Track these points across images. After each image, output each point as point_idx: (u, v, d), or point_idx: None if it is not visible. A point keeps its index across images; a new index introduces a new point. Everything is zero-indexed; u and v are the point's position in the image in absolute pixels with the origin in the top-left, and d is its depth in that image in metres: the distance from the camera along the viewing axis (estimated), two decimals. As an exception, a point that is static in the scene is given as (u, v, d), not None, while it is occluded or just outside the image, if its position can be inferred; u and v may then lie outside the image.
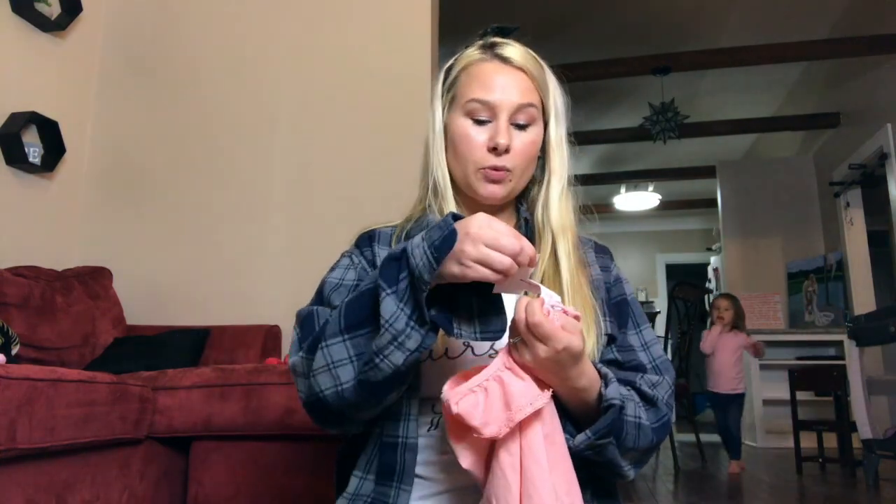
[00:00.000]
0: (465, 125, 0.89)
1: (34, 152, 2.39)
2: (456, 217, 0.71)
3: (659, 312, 6.74)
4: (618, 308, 0.92)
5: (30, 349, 1.97)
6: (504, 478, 0.68)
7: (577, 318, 0.71)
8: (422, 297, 0.68)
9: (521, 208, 0.96)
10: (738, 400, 3.96)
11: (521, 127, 0.88)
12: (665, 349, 3.83)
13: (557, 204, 0.91)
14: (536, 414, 0.68)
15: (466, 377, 0.70)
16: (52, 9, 2.49)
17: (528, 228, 0.94)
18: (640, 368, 0.87)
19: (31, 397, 1.31)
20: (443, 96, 0.93)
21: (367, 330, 0.73)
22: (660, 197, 6.91)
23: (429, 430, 0.84)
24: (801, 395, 4.02)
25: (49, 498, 1.42)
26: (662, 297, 8.07)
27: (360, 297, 0.74)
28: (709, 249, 7.88)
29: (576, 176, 0.95)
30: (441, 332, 0.73)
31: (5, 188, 2.33)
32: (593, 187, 6.91)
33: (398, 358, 0.70)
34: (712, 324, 4.15)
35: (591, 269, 0.93)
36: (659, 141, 4.81)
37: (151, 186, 2.65)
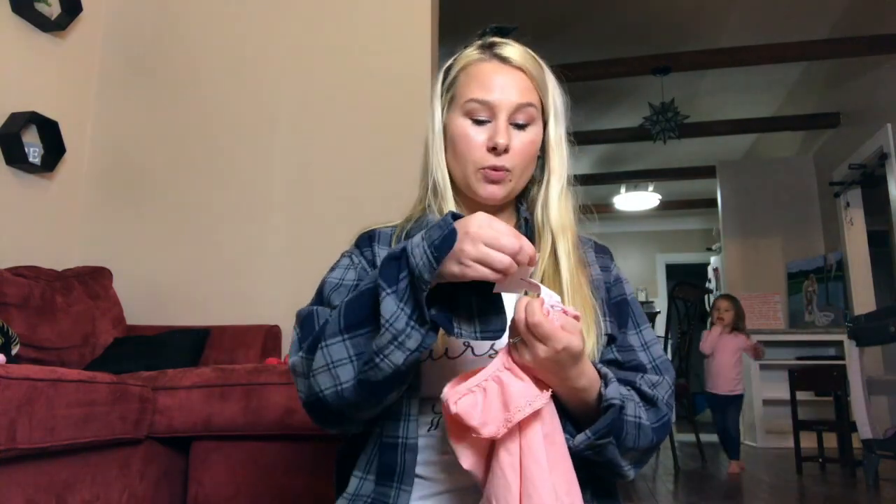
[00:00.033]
0: (464, 125, 0.89)
1: (34, 152, 2.39)
2: (455, 216, 0.71)
3: (659, 312, 6.74)
4: (618, 308, 0.92)
5: (30, 349, 1.97)
6: (504, 478, 0.68)
7: (576, 318, 0.71)
8: (422, 297, 0.68)
9: (521, 208, 0.96)
10: (736, 401, 3.96)
11: (521, 127, 0.88)
12: (665, 349, 3.82)
13: (557, 203, 0.91)
14: (536, 414, 0.68)
15: (467, 378, 0.70)
16: (52, 9, 2.49)
17: (528, 228, 0.93)
18: (640, 368, 0.87)
19: (31, 397, 1.31)
20: (442, 96, 0.93)
21: (366, 330, 0.73)
22: (660, 197, 6.91)
23: (429, 430, 0.84)
24: (801, 395, 4.02)
25: (49, 498, 1.42)
26: (662, 297, 8.07)
27: (359, 296, 0.74)
28: (709, 249, 7.87)
29: (575, 176, 0.95)
30: (441, 331, 0.73)
31: (5, 188, 2.33)
32: (593, 187, 6.91)
33: (398, 358, 0.70)
34: (712, 324, 4.15)
35: (591, 268, 0.93)
36: (659, 141, 4.81)
37: (151, 186, 2.65)
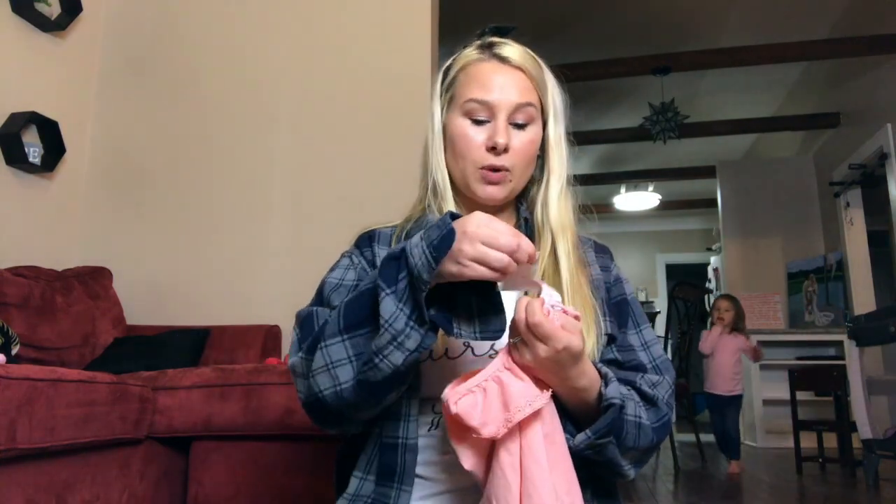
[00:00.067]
0: (463, 125, 0.89)
1: (34, 152, 2.39)
2: (454, 216, 0.71)
3: (659, 312, 6.74)
4: (618, 308, 0.92)
5: (30, 349, 1.97)
6: (504, 477, 0.68)
7: (576, 317, 0.71)
8: (421, 297, 0.68)
9: (521, 208, 0.96)
10: (735, 401, 3.96)
11: (520, 126, 0.88)
12: (665, 349, 3.82)
13: (557, 203, 0.91)
14: (536, 414, 0.68)
15: (467, 379, 0.70)
16: (52, 9, 2.49)
17: (528, 228, 0.93)
18: (640, 368, 0.87)
19: (31, 397, 1.31)
20: (441, 96, 0.93)
21: (366, 330, 0.72)
22: (660, 197, 6.91)
23: (429, 430, 0.84)
24: (801, 395, 4.02)
25: (49, 498, 1.42)
26: (662, 297, 8.07)
27: (359, 297, 0.74)
28: (709, 249, 7.87)
29: (575, 176, 0.95)
30: (442, 332, 0.72)
31: (5, 188, 2.33)
32: (593, 187, 6.91)
33: (397, 358, 0.69)
34: (712, 324, 4.15)
35: (591, 268, 0.93)
36: (659, 141, 4.81)
37: (151, 186, 2.65)
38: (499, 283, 0.71)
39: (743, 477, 3.50)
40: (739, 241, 5.86)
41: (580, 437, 0.76)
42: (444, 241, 0.67)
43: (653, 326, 1.10)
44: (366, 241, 0.95)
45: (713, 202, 6.50)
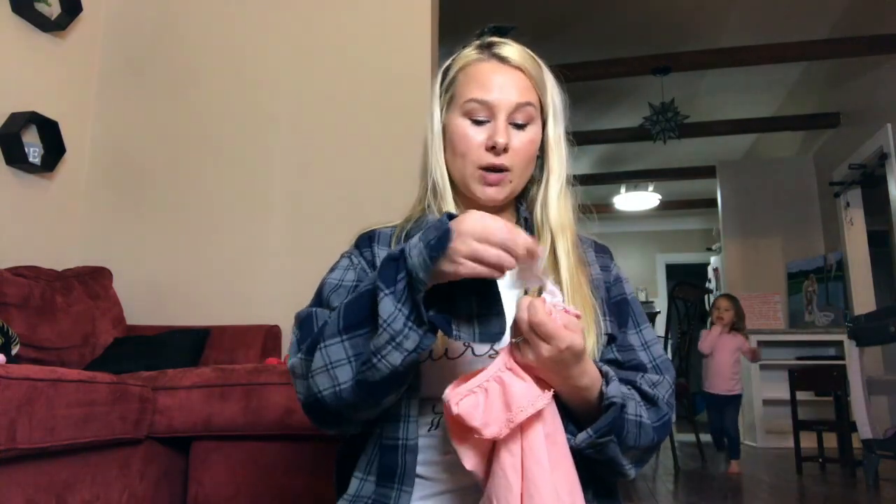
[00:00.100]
0: (463, 125, 0.89)
1: (34, 152, 2.39)
2: (452, 217, 0.71)
3: (659, 312, 6.74)
4: (618, 307, 0.92)
5: (30, 349, 1.97)
6: (505, 478, 0.67)
7: (577, 317, 0.71)
8: (419, 298, 0.68)
9: (521, 208, 0.96)
10: (734, 401, 3.96)
11: (520, 126, 0.88)
12: (665, 349, 3.82)
13: (556, 203, 0.91)
14: (538, 414, 0.68)
15: (468, 379, 0.70)
16: (52, 9, 2.49)
17: (528, 228, 0.93)
18: (640, 368, 0.87)
19: (31, 397, 1.31)
20: (441, 96, 0.93)
21: (365, 330, 0.72)
22: (660, 197, 6.91)
23: (430, 431, 0.84)
24: (801, 395, 4.01)
25: (49, 498, 1.42)
26: (662, 297, 8.06)
27: (358, 297, 0.74)
28: (709, 249, 7.87)
29: (575, 176, 0.95)
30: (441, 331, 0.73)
31: (5, 188, 2.33)
32: (593, 187, 6.91)
33: (396, 358, 0.69)
34: (712, 324, 4.15)
35: (591, 268, 0.93)
36: (659, 141, 4.81)
37: (151, 186, 2.65)
38: (509, 279, 0.70)
39: (743, 477, 3.50)
40: (739, 241, 5.86)
41: (581, 435, 0.76)
42: (440, 240, 0.67)
43: (653, 326, 1.10)
44: (365, 241, 0.95)
45: (713, 202, 6.50)
